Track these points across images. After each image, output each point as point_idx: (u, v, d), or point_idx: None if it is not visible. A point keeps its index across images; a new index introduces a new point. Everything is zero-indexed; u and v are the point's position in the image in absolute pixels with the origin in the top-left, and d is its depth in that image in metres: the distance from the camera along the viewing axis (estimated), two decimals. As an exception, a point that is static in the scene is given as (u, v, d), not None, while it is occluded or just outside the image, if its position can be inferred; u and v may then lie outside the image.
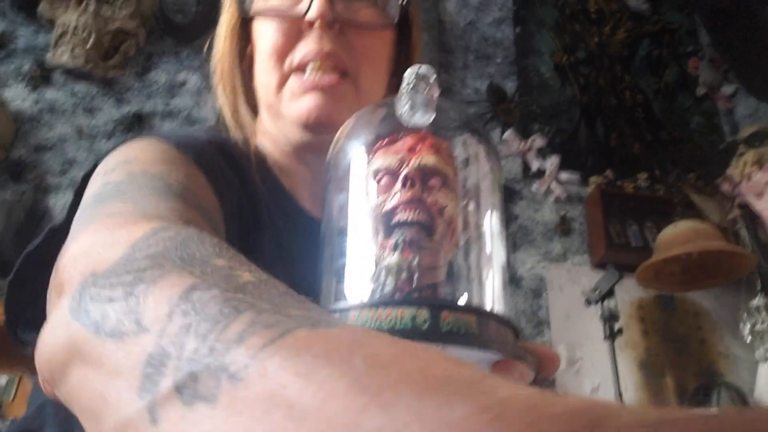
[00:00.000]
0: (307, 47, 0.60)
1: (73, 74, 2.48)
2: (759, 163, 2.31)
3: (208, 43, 0.72)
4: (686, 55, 3.08)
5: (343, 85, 0.61)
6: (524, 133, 2.72)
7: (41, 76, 2.45)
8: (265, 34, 0.63)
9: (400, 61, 0.69)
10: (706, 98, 2.97)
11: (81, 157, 2.35)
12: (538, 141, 2.70)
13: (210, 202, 0.48)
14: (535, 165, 2.65)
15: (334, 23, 0.59)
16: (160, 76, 2.60)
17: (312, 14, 0.58)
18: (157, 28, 2.64)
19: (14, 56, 2.48)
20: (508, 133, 2.69)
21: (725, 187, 2.38)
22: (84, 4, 2.42)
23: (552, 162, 2.63)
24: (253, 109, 0.69)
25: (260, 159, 0.65)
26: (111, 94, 2.51)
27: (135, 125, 2.44)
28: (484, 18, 3.04)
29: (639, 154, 2.77)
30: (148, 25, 2.63)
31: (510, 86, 2.83)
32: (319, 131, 0.60)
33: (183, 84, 2.60)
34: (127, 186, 0.43)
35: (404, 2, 0.64)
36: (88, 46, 2.40)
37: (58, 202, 2.25)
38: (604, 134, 2.81)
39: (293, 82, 0.61)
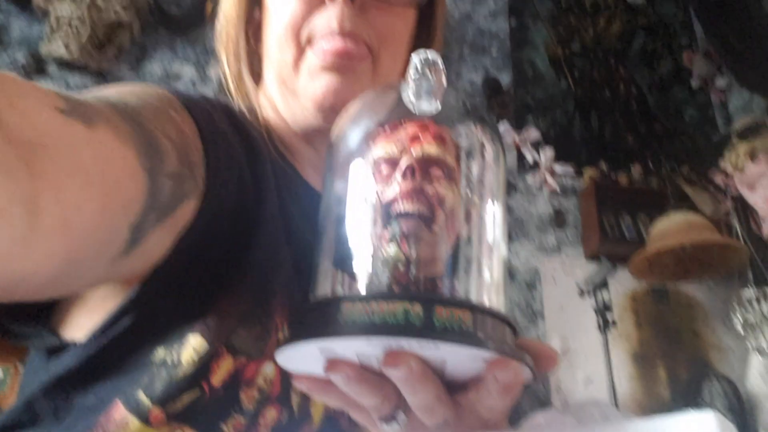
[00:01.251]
0: (326, 22, 0.55)
1: (67, 65, 2.47)
2: (751, 156, 2.32)
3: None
4: (681, 48, 3.09)
5: (363, 64, 0.57)
6: (519, 126, 2.73)
7: (35, 67, 2.44)
8: (282, 3, 0.58)
9: (420, 41, 0.65)
10: (700, 91, 2.98)
11: (75, 148, 2.35)
12: (532, 133, 2.71)
13: (176, 135, 0.45)
14: (529, 157, 2.65)
15: None
16: (154, 67, 2.59)
17: None
18: (152, 20, 2.63)
19: (8, 47, 2.47)
20: (503, 126, 2.70)
21: (718, 179, 2.40)
22: (78, -6, 2.41)
23: (546, 154, 2.64)
24: (256, 77, 0.65)
25: (266, 129, 0.62)
26: (105, 85, 2.50)
27: (130, 117, 2.44)
28: (480, 10, 3.04)
29: (633, 146, 2.79)
30: (142, 17, 2.62)
31: (505, 78, 2.83)
32: (333, 115, 0.53)
33: (177, 75, 2.59)
34: (94, 94, 0.42)
35: None
36: (83, 37, 2.39)
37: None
38: (598, 127, 2.82)
39: (312, 57, 0.57)
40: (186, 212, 0.45)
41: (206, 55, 2.66)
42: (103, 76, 2.52)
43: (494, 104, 2.73)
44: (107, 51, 2.51)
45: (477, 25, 2.99)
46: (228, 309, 0.48)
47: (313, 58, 0.57)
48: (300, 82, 0.58)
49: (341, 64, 0.56)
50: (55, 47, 2.39)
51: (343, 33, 0.55)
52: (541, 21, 3.04)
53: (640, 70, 3.02)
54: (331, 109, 0.56)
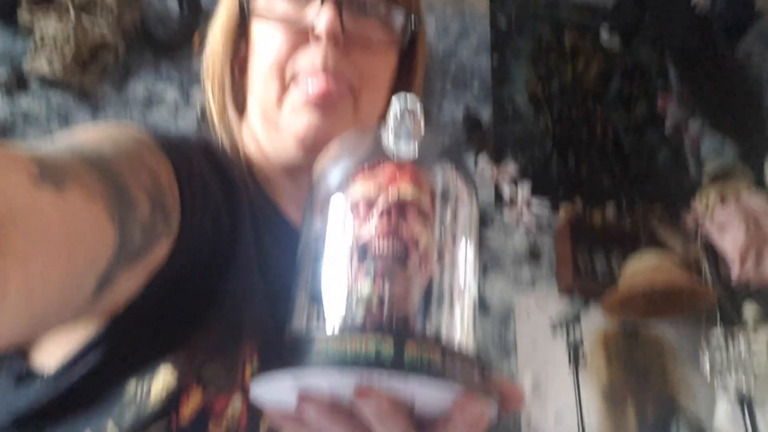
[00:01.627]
0: (310, 60, 0.57)
1: (50, 83, 2.46)
2: (722, 199, 2.39)
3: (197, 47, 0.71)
4: (656, 91, 3.17)
5: (345, 103, 0.59)
6: (497, 161, 2.77)
7: (17, 83, 2.43)
8: (268, 40, 0.59)
9: (401, 80, 0.67)
10: (673, 134, 3.06)
11: (53, 166, 2.33)
12: (510, 169, 2.75)
13: (153, 185, 0.46)
14: (507, 192, 2.69)
15: (341, 38, 0.57)
16: (138, 87, 2.60)
17: (320, 27, 0.56)
18: (138, 40, 2.64)
19: (-10, 62, 2.46)
20: (482, 160, 2.74)
21: (689, 221, 2.45)
22: (65, 14, 2.41)
23: (524, 189, 2.69)
24: (240, 109, 0.66)
25: (247, 163, 0.62)
26: (87, 104, 2.50)
27: (110, 136, 2.43)
28: (463, 46, 3.10)
29: (608, 185, 2.84)
30: (128, 37, 2.62)
31: (485, 114, 2.88)
32: (315, 151, 0.55)
33: (161, 97, 2.60)
34: (63, 144, 0.43)
35: (414, 26, 0.62)
36: (67, 55, 2.39)
37: (28, 211, 2.22)
38: (575, 165, 2.88)
39: (295, 94, 0.58)
40: (159, 253, 0.46)
41: (190, 78, 2.67)
42: (85, 95, 2.51)
43: (474, 139, 2.77)
44: (91, 70, 2.51)
45: (460, 60, 3.05)
46: (199, 341, 0.48)
47: (297, 95, 0.58)
48: (283, 118, 0.59)
49: (323, 103, 0.57)
50: (39, 65, 2.38)
51: (327, 71, 0.57)
52: (522, 60, 3.11)
53: (616, 112, 3.09)
54: (312, 146, 0.58)
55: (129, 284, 0.45)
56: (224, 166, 0.57)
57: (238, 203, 0.56)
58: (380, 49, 0.61)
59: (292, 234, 0.60)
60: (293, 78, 0.59)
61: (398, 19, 0.61)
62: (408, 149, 0.42)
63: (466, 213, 0.44)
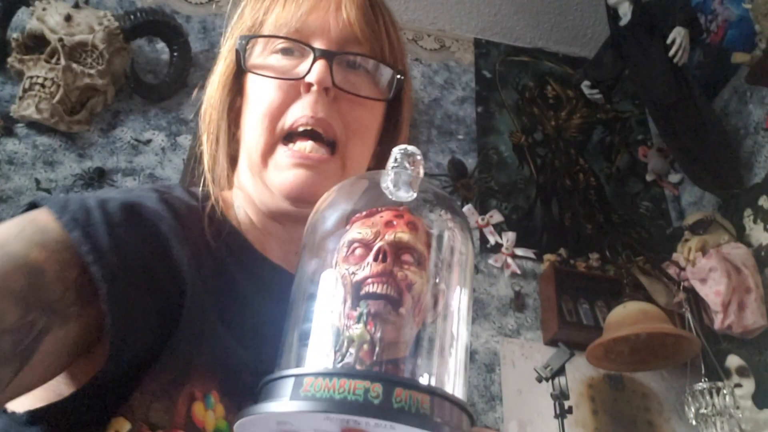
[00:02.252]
0: (300, 110, 0.60)
1: (37, 127, 2.46)
2: (703, 250, 2.42)
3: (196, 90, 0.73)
4: (636, 142, 3.25)
5: (331, 162, 0.61)
6: (482, 208, 2.80)
7: (4, 128, 2.43)
8: (261, 92, 0.62)
9: (387, 133, 0.69)
10: (654, 184, 3.12)
11: (37, 209, 2.31)
12: (495, 216, 2.78)
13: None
14: (492, 240, 2.71)
15: (331, 90, 0.60)
16: (125, 133, 2.61)
17: (311, 78, 0.59)
18: (127, 87, 2.66)
19: (-23, 105, 2.46)
20: (467, 208, 2.77)
21: (671, 271, 2.47)
22: (55, 58, 2.44)
23: (508, 238, 2.71)
24: (232, 158, 0.69)
25: (222, 213, 0.63)
26: (73, 149, 2.50)
27: (95, 180, 2.42)
28: (448, 96, 3.17)
29: (591, 234, 2.87)
30: (118, 83, 2.65)
31: (470, 162, 2.92)
32: (301, 204, 0.60)
33: (148, 142, 2.60)
34: None
35: (400, 79, 0.65)
36: (55, 100, 2.40)
37: (9, 255, 2.19)
38: (558, 214, 2.91)
39: (281, 153, 0.61)
40: (55, 340, 0.46)
41: (178, 124, 2.69)
42: (72, 139, 2.52)
43: (459, 187, 2.80)
44: (79, 115, 2.52)
45: (445, 109, 3.11)
46: (148, 387, 0.49)
47: (283, 155, 0.61)
48: (269, 173, 0.62)
49: (308, 164, 0.60)
50: (26, 108, 2.39)
51: (316, 119, 0.60)
52: (506, 110, 3.18)
53: (598, 162, 3.15)
54: (298, 199, 0.60)
55: (36, 374, 0.46)
56: (181, 221, 0.57)
57: (194, 253, 0.56)
58: (367, 103, 0.64)
59: (274, 273, 0.63)
60: (284, 132, 0.61)
61: (385, 75, 0.65)
62: (407, 194, 0.43)
63: (462, 259, 0.44)
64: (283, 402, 0.34)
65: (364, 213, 0.43)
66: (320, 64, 0.59)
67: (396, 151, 0.45)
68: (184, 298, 0.52)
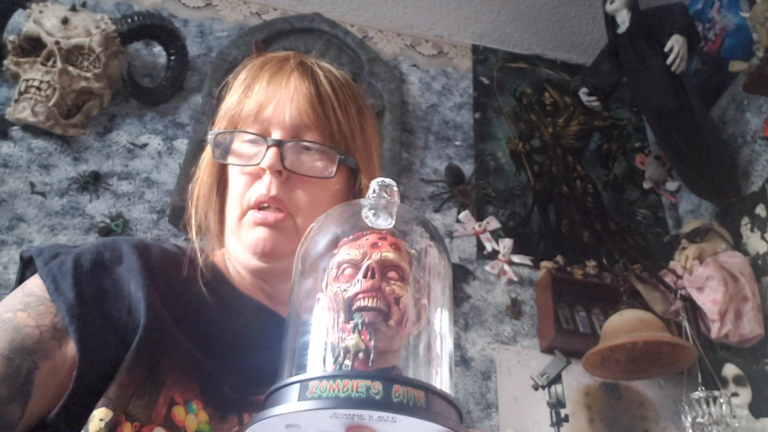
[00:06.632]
0: (258, 189, 0.74)
1: (32, 130, 2.45)
2: (700, 258, 2.41)
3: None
4: (633, 150, 3.25)
5: (286, 221, 0.74)
6: (479, 215, 2.79)
7: (-1, 131, 2.42)
8: (234, 175, 0.78)
9: (356, 189, 0.82)
10: (651, 192, 3.12)
11: (30, 213, 2.30)
12: (492, 223, 2.77)
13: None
14: (488, 246, 2.70)
15: (283, 172, 0.73)
16: (121, 137, 2.60)
17: (264, 164, 0.73)
18: (123, 90, 2.66)
19: (-28, 108, 2.45)
20: (464, 214, 2.76)
21: (668, 279, 2.47)
22: (51, 61, 2.43)
23: (505, 245, 2.70)
24: (220, 224, 0.82)
25: (211, 263, 0.78)
26: (69, 152, 2.49)
27: (90, 184, 2.41)
28: (446, 102, 3.16)
29: (588, 241, 2.87)
30: (114, 87, 2.64)
31: (467, 168, 2.91)
32: (266, 259, 0.74)
33: (144, 146, 2.59)
34: None
35: (342, 159, 0.76)
36: (51, 103, 2.39)
37: (2, 259, 2.18)
38: (555, 221, 2.91)
39: (249, 216, 0.75)
40: (46, 372, 0.59)
41: (175, 128, 2.68)
42: (67, 143, 2.51)
43: (456, 193, 2.80)
44: (74, 118, 2.51)
45: (442, 116, 3.10)
46: (126, 382, 0.59)
47: (250, 217, 0.75)
48: (241, 233, 0.76)
49: (266, 223, 0.73)
50: (21, 111, 2.38)
51: (270, 197, 0.73)
52: (503, 116, 3.18)
53: (596, 169, 3.15)
54: (262, 254, 0.73)
55: (37, 405, 0.58)
56: (166, 271, 0.73)
57: (183, 298, 0.71)
58: (317, 181, 0.76)
59: (261, 312, 0.77)
60: (248, 203, 0.75)
61: (335, 157, 0.76)
62: (386, 221, 0.49)
63: (441, 276, 0.50)
64: (291, 404, 0.38)
65: (351, 237, 0.48)
66: (272, 152, 0.73)
67: (374, 183, 0.51)
68: (142, 321, 0.64)
